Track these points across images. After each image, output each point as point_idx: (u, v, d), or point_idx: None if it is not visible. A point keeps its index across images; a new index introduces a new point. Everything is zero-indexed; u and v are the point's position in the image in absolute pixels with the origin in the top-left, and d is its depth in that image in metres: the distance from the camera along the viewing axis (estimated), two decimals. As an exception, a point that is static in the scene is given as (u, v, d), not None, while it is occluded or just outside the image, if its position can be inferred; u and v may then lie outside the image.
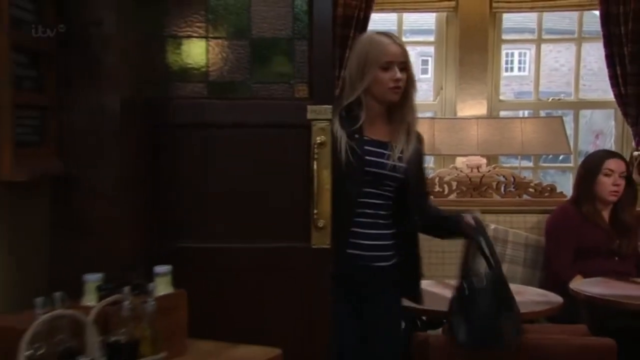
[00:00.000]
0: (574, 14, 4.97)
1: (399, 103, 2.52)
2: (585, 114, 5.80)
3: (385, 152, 2.50)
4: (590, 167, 3.68)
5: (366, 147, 2.47)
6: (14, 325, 1.49)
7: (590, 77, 5.05)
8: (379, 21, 4.89)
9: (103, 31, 1.90)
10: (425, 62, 7.37)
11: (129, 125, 1.99)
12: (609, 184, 3.61)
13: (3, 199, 1.65)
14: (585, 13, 4.88)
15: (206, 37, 2.33)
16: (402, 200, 2.52)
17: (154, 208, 2.18)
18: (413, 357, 2.67)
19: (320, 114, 2.25)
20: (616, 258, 3.64)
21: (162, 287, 1.83)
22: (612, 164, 3.61)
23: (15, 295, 1.70)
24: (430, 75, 4.99)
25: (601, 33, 4.44)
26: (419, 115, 2.84)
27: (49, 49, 1.81)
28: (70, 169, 1.87)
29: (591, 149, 4.99)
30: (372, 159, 2.48)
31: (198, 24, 2.32)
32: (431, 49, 4.96)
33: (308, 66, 2.31)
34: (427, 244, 3.06)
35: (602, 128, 5.11)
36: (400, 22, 4.89)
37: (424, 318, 3.25)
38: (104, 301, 1.61)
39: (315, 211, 2.21)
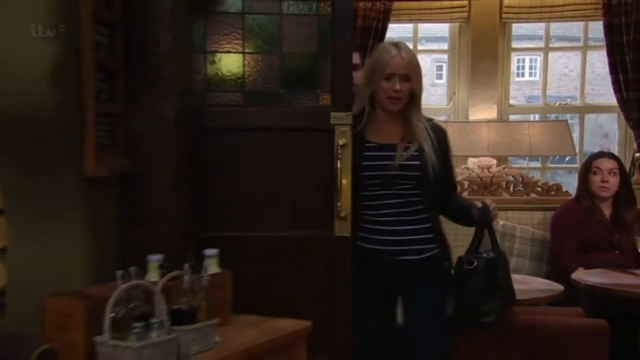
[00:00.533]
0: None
1: (407, 108, 2.61)
2: (593, 116, 6.06)
3: (391, 153, 2.58)
4: (584, 167, 3.97)
5: (365, 153, 2.57)
6: (101, 294, 1.82)
7: (598, 82, 5.31)
8: (397, 30, 5.20)
9: (160, 50, 2.24)
10: (440, 68, 7.64)
11: (181, 130, 2.32)
12: (598, 181, 3.87)
13: (86, 192, 1.99)
14: (594, 22, 5.15)
15: (243, 53, 2.65)
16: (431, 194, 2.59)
17: (200, 201, 2.50)
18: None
19: (341, 120, 2.55)
20: (617, 251, 3.88)
21: (212, 266, 2.16)
22: (598, 162, 3.89)
23: (94, 271, 2.04)
24: (444, 80, 5.28)
25: (604, 42, 4.74)
26: (433, 118, 3.04)
27: (118, 66, 2.15)
28: (134, 167, 2.21)
29: (597, 149, 5.24)
30: (370, 163, 2.57)
31: (236, 41, 2.63)
32: (445, 56, 5.27)
33: (331, 78, 2.61)
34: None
35: (609, 129, 5.39)
36: (415, 32, 5.20)
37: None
38: (167, 275, 1.94)
39: (338, 204, 2.53)
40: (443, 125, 4.75)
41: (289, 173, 2.60)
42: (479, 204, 2.64)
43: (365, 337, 2.59)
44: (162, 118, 2.26)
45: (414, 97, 2.60)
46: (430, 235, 2.61)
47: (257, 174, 2.59)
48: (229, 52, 2.64)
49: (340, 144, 2.54)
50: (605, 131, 5.43)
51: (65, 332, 1.78)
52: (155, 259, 2.10)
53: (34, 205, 1.90)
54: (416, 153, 2.58)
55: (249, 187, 2.58)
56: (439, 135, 2.67)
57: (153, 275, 2.07)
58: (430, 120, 2.71)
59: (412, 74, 2.58)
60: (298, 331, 2.24)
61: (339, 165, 2.53)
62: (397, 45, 2.63)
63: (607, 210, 3.97)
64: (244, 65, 2.65)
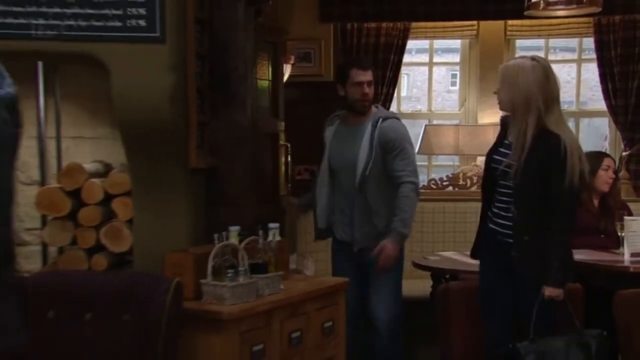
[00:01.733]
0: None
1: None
2: (596, 120, 6.77)
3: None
4: (592, 164, 4.63)
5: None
6: (201, 251, 2.60)
7: (597, 88, 6.01)
8: (415, 44, 5.94)
9: (237, 75, 3.00)
10: (454, 76, 8.38)
11: (251, 134, 3.09)
12: (607, 177, 4.53)
13: (189, 179, 2.77)
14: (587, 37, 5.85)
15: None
16: None
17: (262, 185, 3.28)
18: (437, 303, 3.61)
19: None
20: (602, 235, 4.58)
21: (276, 235, 2.92)
22: (608, 161, 4.54)
23: (194, 236, 2.81)
24: (457, 88, 6.02)
25: (595, 56, 5.46)
26: (446, 122, 3.69)
27: (205, 87, 2.91)
28: (217, 162, 2.97)
29: (599, 149, 5.90)
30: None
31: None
32: (457, 67, 6.01)
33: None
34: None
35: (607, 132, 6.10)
36: (431, 46, 5.95)
37: (447, 276, 4.27)
38: (247, 239, 2.70)
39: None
40: (455, 129, 5.55)
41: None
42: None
43: None
44: (238, 126, 3.03)
45: (501, 103, 3.03)
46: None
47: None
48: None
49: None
50: (605, 134, 6.11)
51: (180, 276, 2.54)
52: (234, 229, 2.85)
53: (154, 188, 2.69)
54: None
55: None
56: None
57: (233, 241, 2.85)
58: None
59: (500, 87, 2.98)
60: (338, 284, 3.01)
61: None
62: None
63: (595, 200, 4.65)
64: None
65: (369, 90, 3.46)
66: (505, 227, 2.98)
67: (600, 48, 5.42)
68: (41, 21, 2.37)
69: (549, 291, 2.85)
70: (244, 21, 3.03)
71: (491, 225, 3.04)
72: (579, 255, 4.13)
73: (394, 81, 5.57)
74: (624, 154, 5.42)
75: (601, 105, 5.67)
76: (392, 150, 3.42)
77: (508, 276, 2.97)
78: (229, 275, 2.54)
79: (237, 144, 3.03)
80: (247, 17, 3.06)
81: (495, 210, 3.01)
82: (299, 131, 5.35)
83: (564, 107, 5.61)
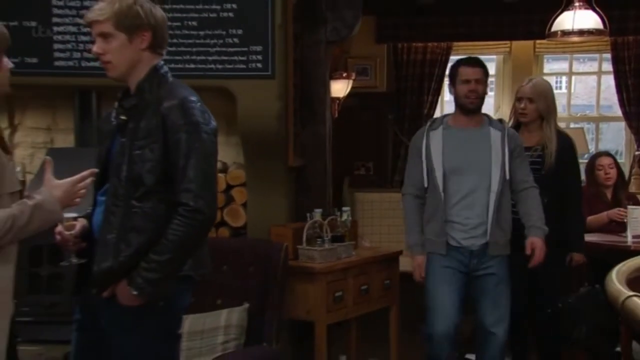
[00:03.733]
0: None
1: (536, 121, 3.77)
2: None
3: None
4: (589, 165, 5.53)
5: None
6: (298, 226, 3.65)
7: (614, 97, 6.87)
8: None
9: (319, 97, 4.05)
10: (492, 82, 9.31)
11: (327, 140, 4.13)
12: (603, 174, 5.41)
13: (288, 176, 3.83)
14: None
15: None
16: None
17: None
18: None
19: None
20: (613, 223, 5.47)
21: (348, 215, 3.95)
22: (600, 160, 5.40)
23: (289, 215, 3.87)
24: (492, 97, 6.96)
25: (612, 69, 6.36)
26: None
27: (297, 106, 3.95)
28: (304, 162, 4.02)
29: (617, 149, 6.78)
30: None
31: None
32: (492, 79, 6.94)
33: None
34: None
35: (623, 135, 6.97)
36: (470, 61, 6.90)
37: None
38: (329, 217, 3.73)
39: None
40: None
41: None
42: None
43: None
44: (318, 134, 4.08)
45: (531, 111, 3.74)
46: None
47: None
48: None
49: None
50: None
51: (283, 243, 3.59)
52: (318, 211, 3.89)
53: (262, 180, 3.75)
54: (541, 152, 3.70)
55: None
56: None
57: (319, 219, 3.88)
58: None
59: (535, 98, 3.72)
60: (393, 254, 4.03)
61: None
62: (531, 79, 3.87)
63: (609, 194, 5.53)
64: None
65: (477, 87, 3.37)
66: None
67: (616, 63, 6.31)
68: (192, 65, 3.45)
69: (577, 257, 3.82)
70: (324, 56, 4.08)
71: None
72: (592, 237, 5.03)
73: (437, 91, 6.58)
74: (636, 153, 6.32)
75: (618, 111, 6.58)
76: (518, 156, 3.46)
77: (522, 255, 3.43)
78: (318, 242, 3.60)
79: (318, 149, 4.08)
80: (326, 53, 4.10)
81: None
82: (357, 133, 6.42)
83: (586, 112, 6.45)
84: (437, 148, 3.39)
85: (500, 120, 3.59)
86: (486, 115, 3.52)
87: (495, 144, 3.37)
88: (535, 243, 3.36)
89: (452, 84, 3.47)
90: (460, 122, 3.46)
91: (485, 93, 3.45)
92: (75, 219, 2.32)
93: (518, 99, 3.84)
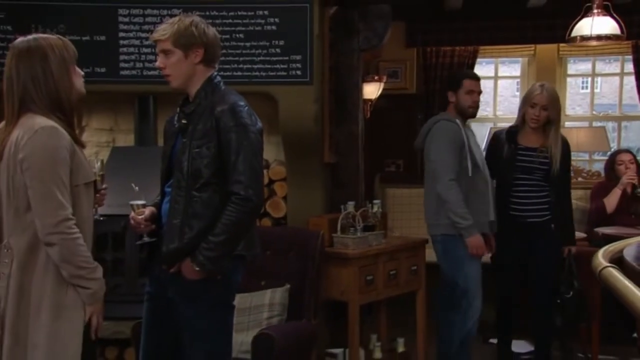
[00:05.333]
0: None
1: (545, 126, 4.06)
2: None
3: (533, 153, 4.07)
4: (609, 161, 5.81)
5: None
6: (333, 216, 4.05)
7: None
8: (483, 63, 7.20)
9: (352, 98, 4.45)
10: (516, 84, 9.61)
11: (359, 138, 4.53)
12: (623, 169, 5.70)
13: (323, 171, 4.24)
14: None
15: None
16: None
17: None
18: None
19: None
20: (632, 216, 5.75)
21: (378, 207, 4.34)
22: (620, 156, 5.71)
23: (325, 206, 4.27)
24: (518, 98, 7.29)
25: (633, 70, 6.64)
26: (506, 125, 4.82)
27: (331, 108, 4.35)
28: (337, 158, 4.42)
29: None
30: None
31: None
32: (517, 80, 7.27)
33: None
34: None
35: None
36: (496, 65, 7.23)
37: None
38: (361, 209, 4.13)
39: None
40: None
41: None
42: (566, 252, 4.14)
43: None
44: (351, 133, 4.48)
45: (550, 120, 4.02)
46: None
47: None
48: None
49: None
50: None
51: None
52: (351, 203, 4.29)
53: (301, 176, 4.16)
54: (547, 154, 4.04)
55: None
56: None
57: (352, 210, 4.28)
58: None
59: (549, 105, 3.99)
60: (421, 240, 4.40)
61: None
62: (542, 85, 4.07)
63: (628, 188, 5.81)
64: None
65: (478, 98, 3.98)
66: (529, 210, 4.11)
67: (637, 65, 6.59)
68: (239, 73, 3.88)
69: (574, 249, 4.21)
70: (357, 63, 4.48)
71: (512, 212, 4.11)
72: (609, 230, 5.34)
73: (465, 92, 6.92)
74: (656, 151, 6.59)
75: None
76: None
77: (523, 246, 4.12)
78: (351, 231, 4.00)
79: (351, 147, 4.49)
80: (359, 60, 4.50)
81: (517, 199, 4.10)
82: (388, 133, 6.81)
83: (608, 111, 6.70)
84: (467, 144, 3.88)
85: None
86: None
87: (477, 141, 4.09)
88: None
89: (453, 91, 3.95)
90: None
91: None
92: (144, 205, 2.75)
93: (532, 105, 4.05)
